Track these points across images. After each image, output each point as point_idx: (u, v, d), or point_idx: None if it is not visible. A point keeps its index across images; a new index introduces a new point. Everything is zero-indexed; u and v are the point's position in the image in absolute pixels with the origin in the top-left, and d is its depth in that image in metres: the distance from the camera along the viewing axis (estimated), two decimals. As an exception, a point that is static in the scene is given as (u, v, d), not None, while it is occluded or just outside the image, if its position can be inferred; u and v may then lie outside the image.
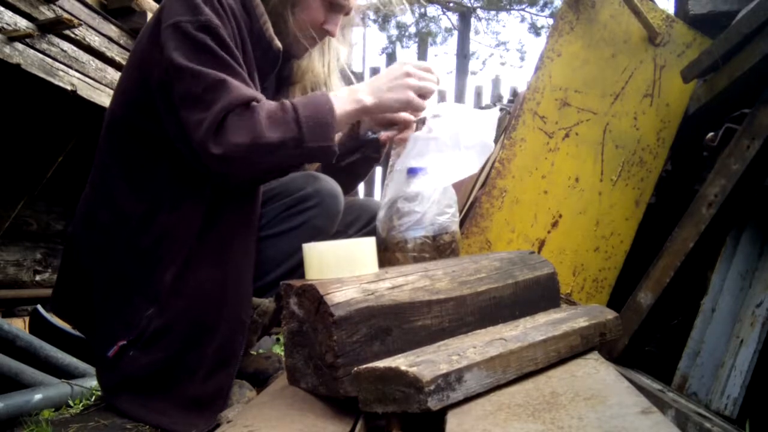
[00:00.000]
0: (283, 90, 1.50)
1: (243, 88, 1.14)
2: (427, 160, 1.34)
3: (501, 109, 3.18)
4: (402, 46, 12.62)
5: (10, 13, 2.00)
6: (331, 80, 1.52)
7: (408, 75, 1.25)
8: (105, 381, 1.28)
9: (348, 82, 1.56)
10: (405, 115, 1.31)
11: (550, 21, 11.27)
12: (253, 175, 1.20)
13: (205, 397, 1.17)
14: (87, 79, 2.35)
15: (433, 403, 0.78)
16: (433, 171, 1.33)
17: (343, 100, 1.21)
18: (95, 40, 2.39)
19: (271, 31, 1.30)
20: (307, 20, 1.36)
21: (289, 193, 1.24)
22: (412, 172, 1.36)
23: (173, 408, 1.18)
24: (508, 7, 12.50)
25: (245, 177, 1.20)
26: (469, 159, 1.34)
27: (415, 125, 1.35)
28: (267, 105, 1.15)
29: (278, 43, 1.31)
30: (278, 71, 1.47)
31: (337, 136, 1.27)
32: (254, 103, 1.13)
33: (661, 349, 1.92)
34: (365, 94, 1.23)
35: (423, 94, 1.27)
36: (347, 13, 1.42)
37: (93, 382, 1.96)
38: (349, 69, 1.60)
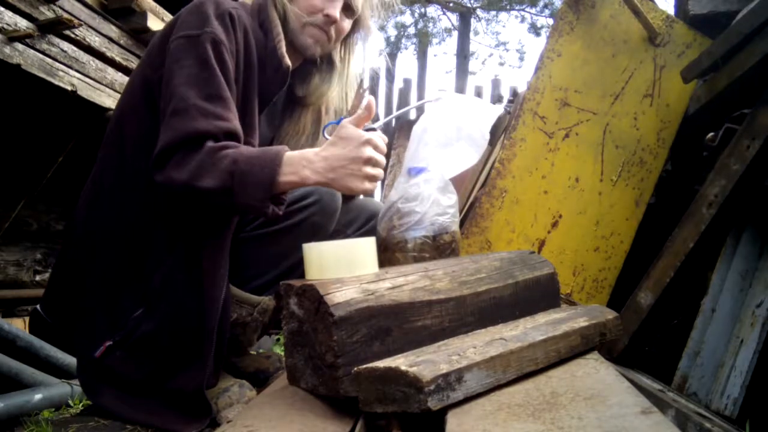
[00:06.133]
0: (296, 111, 1.51)
1: (205, 120, 1.13)
2: (428, 155, 1.34)
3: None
4: (402, 47, 12.60)
5: (10, 13, 1.99)
6: (348, 107, 1.53)
7: (368, 162, 1.16)
8: (89, 381, 1.28)
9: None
10: (364, 189, 1.19)
11: (550, 21, 11.26)
12: (199, 204, 1.19)
13: (196, 398, 1.17)
14: (87, 80, 2.35)
15: (433, 403, 0.78)
16: (434, 168, 1.33)
17: (290, 167, 1.14)
18: (95, 41, 2.39)
19: (284, 49, 1.32)
20: (306, 6, 1.37)
21: None
22: (412, 171, 1.36)
23: (164, 408, 1.19)
24: (508, 7, 12.49)
25: (193, 203, 1.19)
26: (466, 151, 1.35)
27: None
28: (215, 148, 1.13)
29: (288, 62, 1.32)
30: (291, 91, 1.48)
31: None
32: (209, 143, 1.13)
33: (661, 349, 1.92)
34: (314, 171, 1.15)
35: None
36: (347, 6, 1.42)
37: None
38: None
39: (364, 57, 1.56)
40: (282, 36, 1.33)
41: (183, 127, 1.12)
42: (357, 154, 1.15)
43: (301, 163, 1.14)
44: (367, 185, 1.17)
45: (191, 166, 1.12)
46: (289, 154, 1.15)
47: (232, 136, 1.16)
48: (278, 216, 1.16)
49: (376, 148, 1.18)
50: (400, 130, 5.30)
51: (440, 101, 1.36)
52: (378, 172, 1.18)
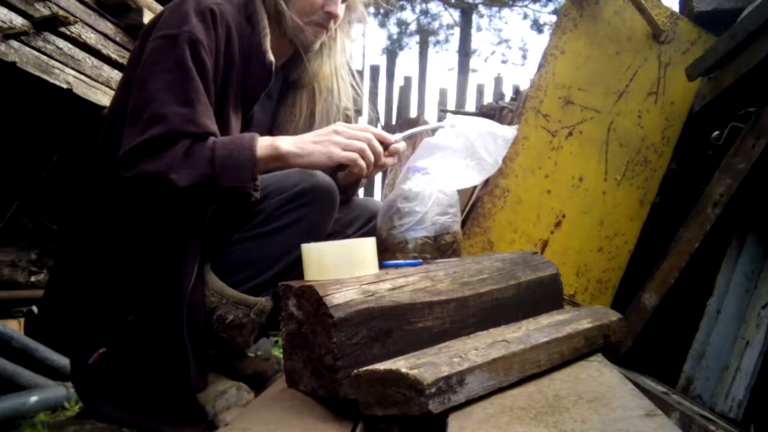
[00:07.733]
0: (290, 95, 1.50)
1: (183, 124, 1.13)
2: (430, 161, 1.32)
3: (503, 108, 3.16)
4: (403, 44, 12.60)
5: (5, 11, 1.98)
6: (338, 82, 1.51)
7: (335, 132, 1.23)
8: (84, 387, 1.27)
9: (351, 75, 1.55)
10: (347, 156, 1.23)
11: (553, 18, 11.25)
12: (173, 202, 1.16)
13: (188, 402, 1.16)
14: (83, 77, 2.33)
15: (434, 406, 0.77)
16: (434, 173, 1.32)
17: (263, 145, 1.19)
18: (91, 38, 2.37)
19: (267, 44, 1.31)
20: (305, 5, 1.35)
21: (284, 190, 1.23)
22: (411, 171, 1.34)
23: (158, 414, 1.18)
24: (510, 3, 12.47)
25: (166, 202, 1.16)
26: (471, 172, 1.33)
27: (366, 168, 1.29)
28: (189, 145, 1.13)
29: (271, 57, 1.31)
30: (287, 75, 1.48)
31: None
32: (184, 140, 1.13)
33: (665, 350, 1.91)
34: (286, 143, 1.21)
35: (360, 154, 1.22)
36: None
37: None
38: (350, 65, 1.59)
39: (350, 29, 1.54)
40: (268, 31, 1.32)
41: (160, 129, 1.12)
42: (326, 130, 1.25)
43: (270, 141, 1.21)
44: (335, 150, 1.21)
45: (167, 158, 1.11)
46: (262, 137, 1.21)
47: (207, 137, 1.17)
48: (257, 199, 1.18)
49: (349, 128, 1.24)
50: (399, 128, 5.31)
51: (455, 127, 1.34)
52: (351, 142, 1.22)
